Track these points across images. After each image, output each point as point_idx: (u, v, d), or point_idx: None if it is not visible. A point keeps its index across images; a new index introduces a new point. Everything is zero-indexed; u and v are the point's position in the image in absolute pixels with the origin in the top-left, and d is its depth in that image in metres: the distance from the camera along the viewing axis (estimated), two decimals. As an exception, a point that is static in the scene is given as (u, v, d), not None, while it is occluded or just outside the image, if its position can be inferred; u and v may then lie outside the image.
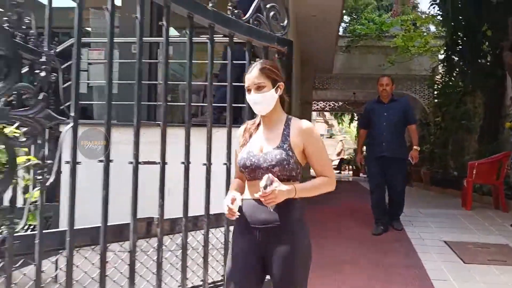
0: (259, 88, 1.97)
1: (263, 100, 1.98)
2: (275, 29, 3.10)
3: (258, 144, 2.03)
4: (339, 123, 28.04)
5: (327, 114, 28.44)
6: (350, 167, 23.54)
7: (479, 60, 8.89)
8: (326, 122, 31.89)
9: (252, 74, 2.00)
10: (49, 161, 2.00)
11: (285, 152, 1.94)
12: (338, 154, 27.51)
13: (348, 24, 14.32)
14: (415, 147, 5.46)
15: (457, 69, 9.92)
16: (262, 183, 1.83)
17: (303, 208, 2.01)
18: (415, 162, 5.58)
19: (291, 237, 1.93)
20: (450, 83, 10.67)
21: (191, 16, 2.53)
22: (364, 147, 6.40)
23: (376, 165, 5.48)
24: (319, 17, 7.43)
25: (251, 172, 1.99)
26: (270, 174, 1.86)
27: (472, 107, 9.95)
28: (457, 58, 9.57)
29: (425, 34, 11.91)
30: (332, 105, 20.68)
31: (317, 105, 19.83)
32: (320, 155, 2.02)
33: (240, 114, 3.74)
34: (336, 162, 24.67)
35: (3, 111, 1.80)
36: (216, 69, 4.99)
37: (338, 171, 23.60)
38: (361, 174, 21.38)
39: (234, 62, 2.90)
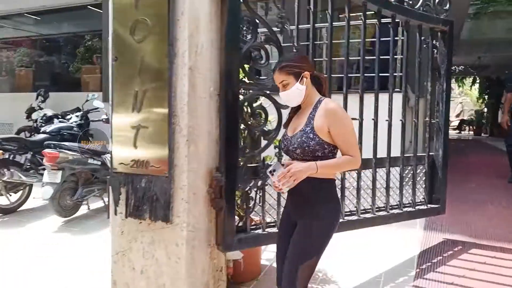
0: (284, 86, 1.85)
1: (289, 96, 1.85)
2: (439, 12, 3.34)
3: (292, 127, 1.92)
4: (459, 86, 25.67)
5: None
6: (471, 127, 21.83)
7: None
8: (445, 85, 29.41)
9: (275, 75, 1.88)
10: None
11: (306, 134, 1.77)
12: (457, 116, 25.56)
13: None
14: None
15: None
16: (268, 169, 1.78)
17: (331, 188, 1.85)
18: None
19: (312, 213, 1.80)
20: None
21: (380, 10, 2.94)
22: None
23: None
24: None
25: (285, 153, 1.92)
26: (277, 161, 1.88)
27: None
28: None
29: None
30: (454, 69, 19.09)
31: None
32: (344, 136, 1.77)
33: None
34: (456, 123, 23.07)
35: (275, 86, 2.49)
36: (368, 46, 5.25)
37: (458, 131, 22.07)
38: (482, 134, 19.73)
39: (382, 39, 3.04)
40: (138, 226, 2.26)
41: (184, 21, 2.08)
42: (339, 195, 1.96)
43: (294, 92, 1.83)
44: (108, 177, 4.40)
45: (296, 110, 1.95)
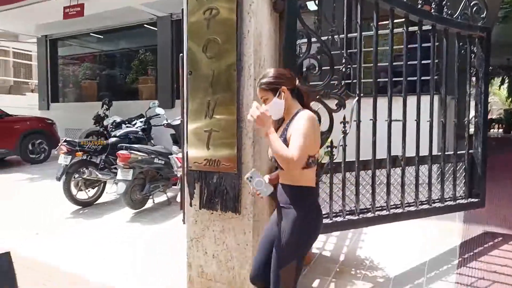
0: (264, 101, 1.86)
1: (270, 110, 1.79)
2: (476, 19, 3.29)
3: None
4: (487, 86, 24.49)
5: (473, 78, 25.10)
6: (500, 125, 20.84)
7: None
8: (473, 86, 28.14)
9: (257, 92, 1.89)
10: (347, 120, 2.74)
11: None
12: (485, 114, 24.34)
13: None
14: None
15: None
16: (246, 176, 1.80)
17: (307, 194, 1.79)
18: None
19: (286, 218, 1.77)
20: None
21: (421, 20, 2.95)
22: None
23: None
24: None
25: (271, 160, 1.91)
26: (254, 169, 1.83)
27: None
28: None
29: None
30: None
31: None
32: (295, 137, 1.69)
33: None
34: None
35: (327, 92, 2.58)
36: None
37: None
38: (511, 132, 18.84)
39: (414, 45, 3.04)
40: (210, 216, 2.42)
41: (250, 39, 2.21)
42: (319, 202, 1.88)
43: (273, 106, 1.81)
44: (170, 174, 4.66)
45: (282, 121, 1.92)
